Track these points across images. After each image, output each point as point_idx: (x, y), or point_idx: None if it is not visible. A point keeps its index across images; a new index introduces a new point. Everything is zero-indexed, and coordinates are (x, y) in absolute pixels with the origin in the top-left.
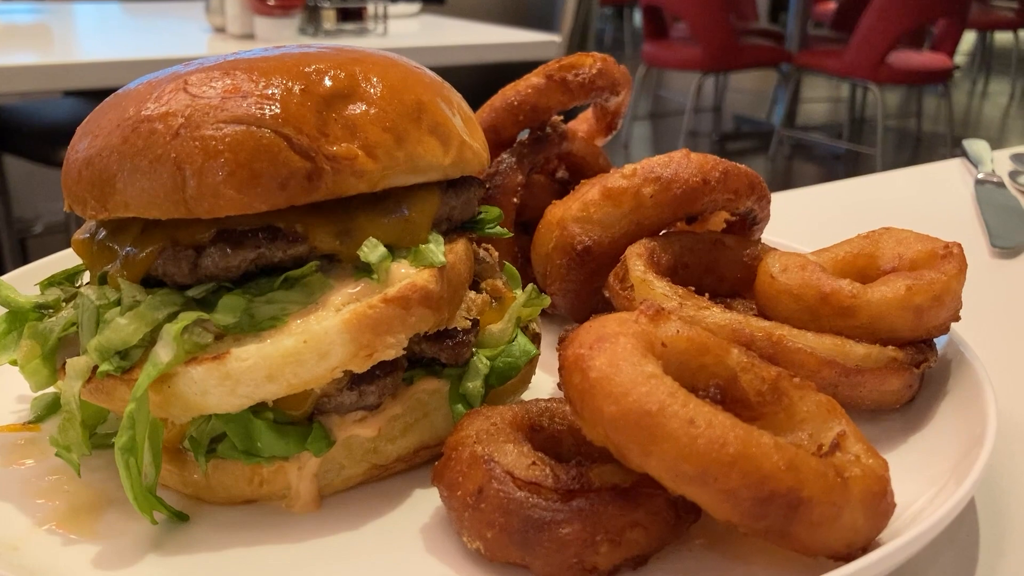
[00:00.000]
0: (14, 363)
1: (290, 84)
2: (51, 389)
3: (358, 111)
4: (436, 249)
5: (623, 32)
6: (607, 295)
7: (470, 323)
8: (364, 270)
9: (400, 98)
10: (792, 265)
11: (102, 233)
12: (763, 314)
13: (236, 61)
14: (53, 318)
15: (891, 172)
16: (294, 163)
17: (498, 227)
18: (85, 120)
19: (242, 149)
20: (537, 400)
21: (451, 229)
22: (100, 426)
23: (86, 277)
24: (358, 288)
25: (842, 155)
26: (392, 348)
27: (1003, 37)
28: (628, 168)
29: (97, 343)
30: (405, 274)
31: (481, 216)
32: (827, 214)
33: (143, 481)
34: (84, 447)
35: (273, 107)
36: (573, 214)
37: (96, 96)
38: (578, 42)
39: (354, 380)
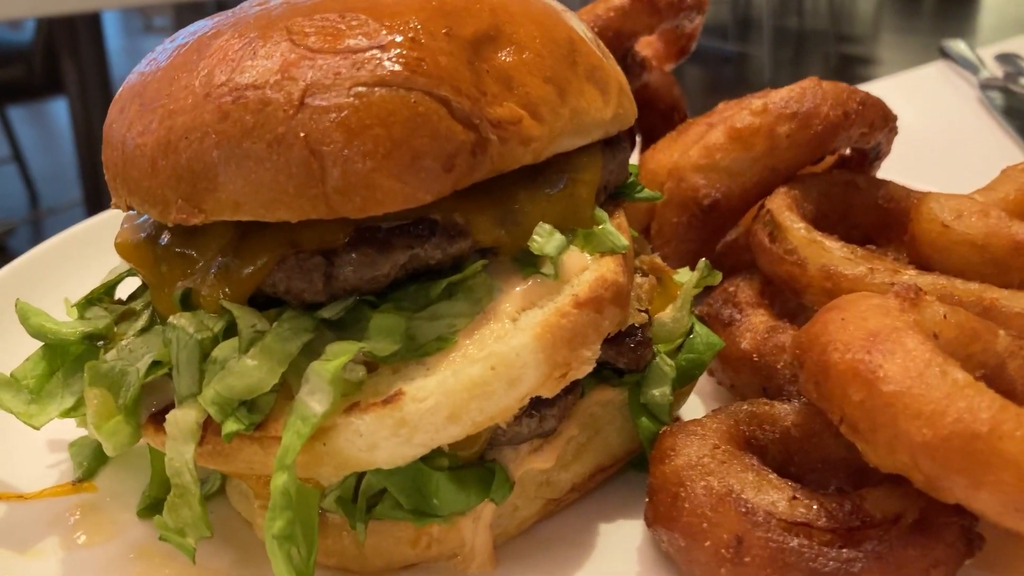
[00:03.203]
0: (66, 416)
1: (432, 28)
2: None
3: (510, 59)
4: (613, 230)
5: None
6: (719, 251)
7: (646, 315)
8: (525, 262)
9: (551, 36)
10: (968, 210)
11: (166, 236)
12: (920, 266)
13: None
14: (114, 351)
15: (871, 83)
16: (458, 135)
17: (646, 189)
18: (134, 87)
19: (394, 121)
20: (739, 405)
21: (607, 200)
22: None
23: (122, 288)
24: (527, 287)
25: (732, 57)
26: (588, 364)
27: None
28: (756, 103)
29: (215, 394)
30: (583, 265)
31: (632, 179)
32: None
33: (293, 565)
34: (204, 528)
35: (421, 61)
36: (693, 162)
37: None
38: None
39: (532, 404)
